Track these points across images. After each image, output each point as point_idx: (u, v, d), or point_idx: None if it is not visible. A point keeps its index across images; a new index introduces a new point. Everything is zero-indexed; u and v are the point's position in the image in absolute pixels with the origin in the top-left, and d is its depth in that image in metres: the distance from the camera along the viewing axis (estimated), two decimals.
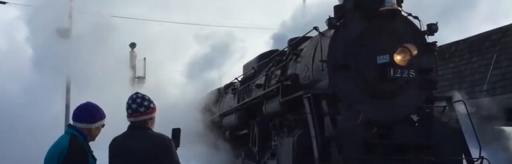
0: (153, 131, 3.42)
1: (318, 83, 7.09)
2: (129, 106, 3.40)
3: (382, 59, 6.54)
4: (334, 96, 6.68)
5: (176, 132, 3.59)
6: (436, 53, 7.22)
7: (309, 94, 6.56)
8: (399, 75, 6.46)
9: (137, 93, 3.48)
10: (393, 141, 6.41)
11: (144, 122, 3.40)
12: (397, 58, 6.49)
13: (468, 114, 6.88)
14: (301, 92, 6.81)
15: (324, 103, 6.62)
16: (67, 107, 14.03)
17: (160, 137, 3.34)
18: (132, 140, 3.31)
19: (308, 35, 8.48)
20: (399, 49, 6.47)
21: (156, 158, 3.22)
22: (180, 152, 3.49)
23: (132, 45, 19.56)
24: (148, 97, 3.46)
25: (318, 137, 6.20)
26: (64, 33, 16.58)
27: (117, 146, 3.36)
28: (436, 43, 7.11)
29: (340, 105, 6.48)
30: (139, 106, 3.38)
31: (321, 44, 6.93)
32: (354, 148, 6.07)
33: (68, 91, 14.80)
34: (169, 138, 3.37)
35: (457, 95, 7.66)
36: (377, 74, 6.70)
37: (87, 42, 13.80)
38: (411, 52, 6.52)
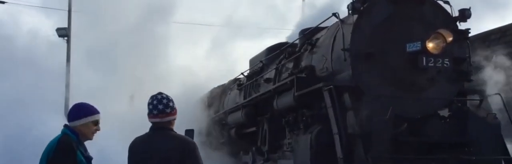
0: (178, 133, 3.36)
1: (339, 75, 6.40)
2: (154, 107, 3.33)
3: (412, 46, 5.84)
4: (358, 89, 5.98)
5: (190, 133, 3.54)
6: (468, 41, 6.53)
7: (331, 86, 5.86)
8: (432, 64, 5.77)
9: (161, 93, 3.39)
10: (426, 139, 5.71)
11: (169, 123, 3.37)
12: (430, 45, 5.80)
13: (506, 108, 6.19)
14: (320, 84, 6.12)
15: (346, 96, 5.92)
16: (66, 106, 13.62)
17: (186, 140, 3.30)
18: (157, 141, 3.26)
19: (323, 25, 7.84)
20: (433, 35, 5.77)
21: (180, 159, 3.18)
22: None
23: None
24: (171, 98, 3.39)
25: (342, 134, 5.50)
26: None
27: (140, 148, 3.30)
28: (469, 31, 6.41)
29: (366, 98, 5.78)
30: (166, 107, 3.32)
31: (342, 32, 6.23)
32: (383, 147, 5.38)
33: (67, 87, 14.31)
34: (193, 141, 3.31)
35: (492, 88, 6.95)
36: (406, 64, 6.02)
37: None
38: (445, 39, 5.82)
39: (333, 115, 5.74)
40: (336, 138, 5.61)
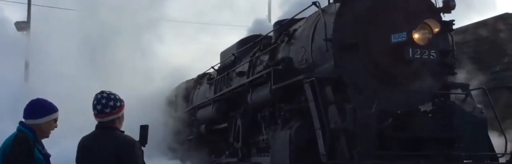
0: (119, 133, 3.33)
1: (320, 67, 6.06)
2: (94, 107, 3.32)
3: (398, 37, 5.55)
4: (341, 81, 5.66)
5: (144, 129, 3.48)
6: (451, 33, 6.29)
7: (313, 78, 5.52)
8: (418, 56, 5.49)
9: (102, 92, 3.35)
10: (412, 134, 5.44)
11: (111, 122, 3.33)
12: (416, 36, 5.51)
13: (491, 103, 5.98)
14: (301, 76, 5.77)
15: (328, 89, 5.59)
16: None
17: (124, 140, 3.26)
18: (96, 142, 3.27)
19: (298, 17, 7.51)
20: (419, 25, 5.49)
21: (118, 160, 3.16)
22: (146, 151, 3.39)
23: None
24: (114, 96, 3.34)
25: (325, 129, 5.17)
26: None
27: (83, 147, 3.32)
28: (454, 22, 6.17)
29: (350, 91, 5.47)
30: (104, 107, 3.29)
31: (324, 21, 5.89)
32: (369, 143, 5.07)
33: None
34: (134, 141, 3.28)
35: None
36: (390, 56, 5.72)
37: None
38: (432, 30, 5.56)
39: (315, 109, 5.40)
40: (319, 133, 5.28)
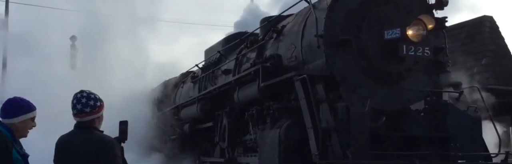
0: (98, 132, 3.29)
1: (310, 64, 5.88)
2: (73, 106, 3.28)
3: (391, 33, 5.39)
4: (332, 79, 5.48)
5: (124, 125, 3.45)
6: (444, 31, 6.16)
7: (304, 75, 5.33)
8: (412, 53, 5.33)
9: (81, 92, 3.31)
10: (405, 134, 5.28)
11: (91, 121, 3.30)
12: (410, 32, 5.36)
13: (484, 102, 5.86)
14: (292, 73, 5.57)
15: (320, 87, 5.40)
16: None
17: (103, 140, 3.22)
18: (75, 142, 3.24)
19: (285, 13, 7.33)
20: (413, 21, 5.34)
21: (96, 160, 3.13)
22: (127, 151, 3.36)
23: (73, 38, 18.01)
24: (94, 95, 3.31)
25: (318, 128, 4.98)
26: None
27: (61, 147, 3.28)
28: (447, 19, 6.04)
29: (343, 89, 5.29)
30: (84, 107, 3.25)
31: (315, 17, 5.70)
32: (363, 142, 4.90)
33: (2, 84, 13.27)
34: (113, 141, 3.25)
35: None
36: (383, 53, 5.56)
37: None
38: (426, 26, 5.41)
39: (307, 107, 5.21)
40: (310, 132, 5.09)
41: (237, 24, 11.53)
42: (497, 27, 11.73)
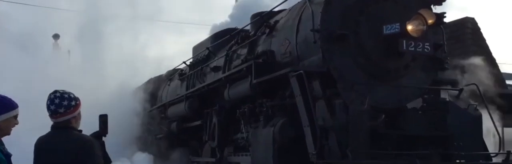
0: (76, 132, 3.22)
1: (305, 60, 5.66)
2: (48, 107, 3.20)
3: (390, 28, 5.19)
4: (329, 75, 5.28)
5: (104, 118, 3.41)
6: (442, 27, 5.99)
7: (300, 71, 5.11)
8: (412, 48, 5.14)
9: (55, 92, 3.22)
10: (405, 132, 5.10)
11: (67, 122, 3.22)
12: (409, 27, 5.17)
13: (484, 100, 5.70)
14: (287, 69, 5.35)
15: (316, 84, 5.20)
16: None
17: (81, 140, 3.15)
18: (53, 143, 3.18)
19: (276, 9, 7.11)
20: (413, 16, 5.15)
21: (76, 161, 3.07)
22: (110, 151, 3.33)
23: (56, 36, 17.62)
24: (68, 95, 3.21)
25: (315, 127, 4.77)
26: None
27: (39, 148, 3.23)
28: (445, 14, 5.86)
29: (340, 86, 5.09)
30: (58, 107, 3.17)
31: (311, 10, 5.49)
32: (362, 141, 4.70)
33: None
34: (90, 140, 3.19)
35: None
36: (382, 48, 5.37)
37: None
38: (426, 21, 5.23)
39: (303, 105, 4.99)
40: (307, 131, 4.87)
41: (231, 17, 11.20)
42: (478, 29, 11.73)
